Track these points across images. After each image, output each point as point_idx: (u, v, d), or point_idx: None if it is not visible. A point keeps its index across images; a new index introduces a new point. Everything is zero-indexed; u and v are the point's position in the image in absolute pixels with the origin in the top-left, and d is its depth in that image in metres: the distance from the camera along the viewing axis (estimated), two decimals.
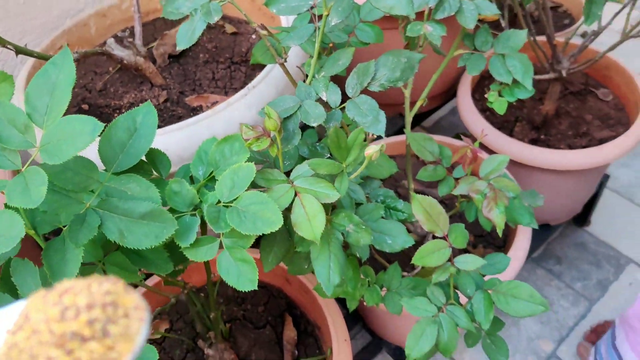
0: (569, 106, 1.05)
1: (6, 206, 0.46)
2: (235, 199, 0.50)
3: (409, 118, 0.75)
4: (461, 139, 1.32)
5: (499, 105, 0.70)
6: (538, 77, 0.94)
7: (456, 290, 0.62)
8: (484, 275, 0.65)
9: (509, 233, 0.88)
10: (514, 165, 0.95)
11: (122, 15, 0.93)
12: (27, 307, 0.21)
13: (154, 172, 0.57)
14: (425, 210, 0.56)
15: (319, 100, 0.57)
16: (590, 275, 1.21)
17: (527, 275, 1.21)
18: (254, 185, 0.53)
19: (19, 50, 0.69)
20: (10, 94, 0.52)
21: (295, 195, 0.50)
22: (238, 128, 0.55)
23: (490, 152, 0.97)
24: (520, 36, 0.70)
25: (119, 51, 0.79)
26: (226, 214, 0.49)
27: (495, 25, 1.37)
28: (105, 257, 0.56)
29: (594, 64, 0.91)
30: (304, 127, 0.60)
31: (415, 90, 0.73)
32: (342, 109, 0.56)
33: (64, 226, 0.49)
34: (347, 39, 0.65)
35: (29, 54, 0.71)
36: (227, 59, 0.88)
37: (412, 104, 0.70)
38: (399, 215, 0.62)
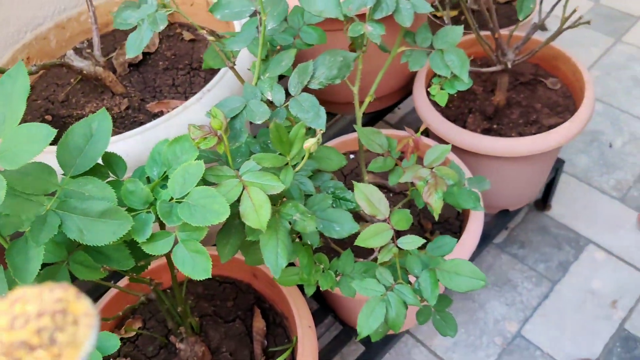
0: (520, 96, 1.11)
1: None
2: (186, 195, 0.53)
3: (359, 114, 0.79)
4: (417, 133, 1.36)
5: (441, 97, 0.75)
6: (485, 69, 0.99)
7: (407, 272, 0.67)
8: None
9: (464, 219, 0.93)
10: (468, 154, 1.00)
11: (81, 27, 0.96)
12: None
13: (111, 175, 0.60)
14: (366, 197, 0.61)
15: (266, 100, 0.61)
16: (552, 257, 1.26)
17: (492, 260, 1.26)
18: (206, 182, 0.57)
19: None
20: None
21: (244, 188, 0.54)
22: None
23: (445, 143, 1.01)
24: (457, 32, 0.75)
25: (78, 62, 0.82)
26: (177, 209, 0.53)
27: (455, 20, 1.42)
28: (70, 256, 0.59)
29: (535, 54, 0.96)
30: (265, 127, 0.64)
31: (368, 88, 0.78)
32: (287, 107, 0.60)
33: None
34: (293, 41, 0.69)
35: None
36: (186, 65, 0.92)
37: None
38: (348, 205, 0.66)
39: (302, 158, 0.57)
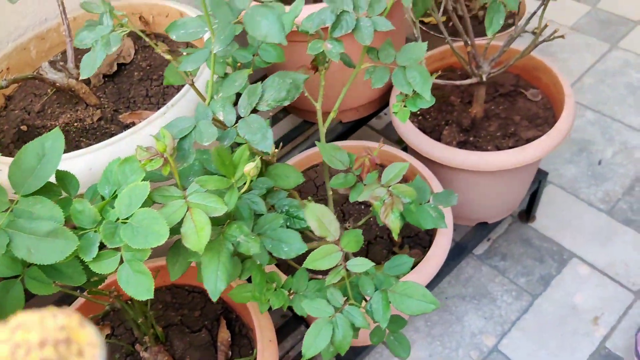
0: (499, 107, 1.10)
1: None
2: (131, 216, 0.54)
3: (322, 129, 0.79)
4: (400, 143, 1.36)
5: (402, 114, 0.74)
6: (460, 82, 0.99)
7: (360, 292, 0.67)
8: (398, 276, 0.70)
9: (433, 233, 0.93)
10: (444, 167, 1.00)
11: (60, 38, 0.97)
12: None
13: (64, 192, 0.61)
14: (317, 217, 0.61)
15: (218, 119, 0.61)
16: (534, 270, 1.25)
17: (472, 272, 1.26)
18: (154, 202, 0.58)
19: None
20: None
21: (188, 209, 0.55)
22: None
23: (419, 156, 1.01)
24: (421, 48, 0.74)
25: (52, 74, 0.84)
26: (121, 230, 0.54)
27: (444, 25, 1.42)
28: (26, 270, 0.61)
29: (516, 65, 0.96)
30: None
31: (346, 100, 0.78)
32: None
33: None
34: (252, 58, 0.70)
35: None
36: (160, 76, 0.93)
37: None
38: (302, 224, 0.66)
39: (260, 179, 0.58)
